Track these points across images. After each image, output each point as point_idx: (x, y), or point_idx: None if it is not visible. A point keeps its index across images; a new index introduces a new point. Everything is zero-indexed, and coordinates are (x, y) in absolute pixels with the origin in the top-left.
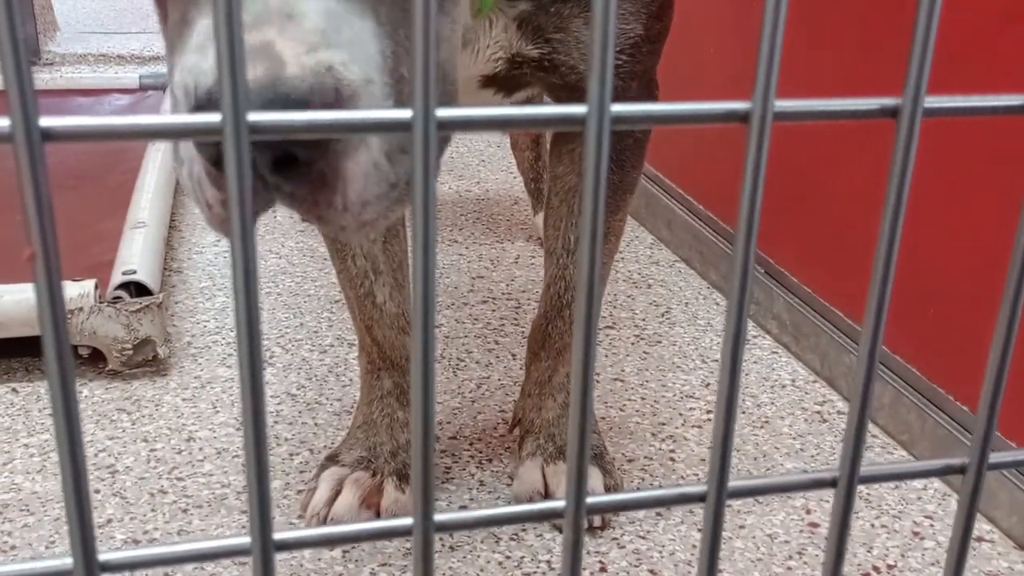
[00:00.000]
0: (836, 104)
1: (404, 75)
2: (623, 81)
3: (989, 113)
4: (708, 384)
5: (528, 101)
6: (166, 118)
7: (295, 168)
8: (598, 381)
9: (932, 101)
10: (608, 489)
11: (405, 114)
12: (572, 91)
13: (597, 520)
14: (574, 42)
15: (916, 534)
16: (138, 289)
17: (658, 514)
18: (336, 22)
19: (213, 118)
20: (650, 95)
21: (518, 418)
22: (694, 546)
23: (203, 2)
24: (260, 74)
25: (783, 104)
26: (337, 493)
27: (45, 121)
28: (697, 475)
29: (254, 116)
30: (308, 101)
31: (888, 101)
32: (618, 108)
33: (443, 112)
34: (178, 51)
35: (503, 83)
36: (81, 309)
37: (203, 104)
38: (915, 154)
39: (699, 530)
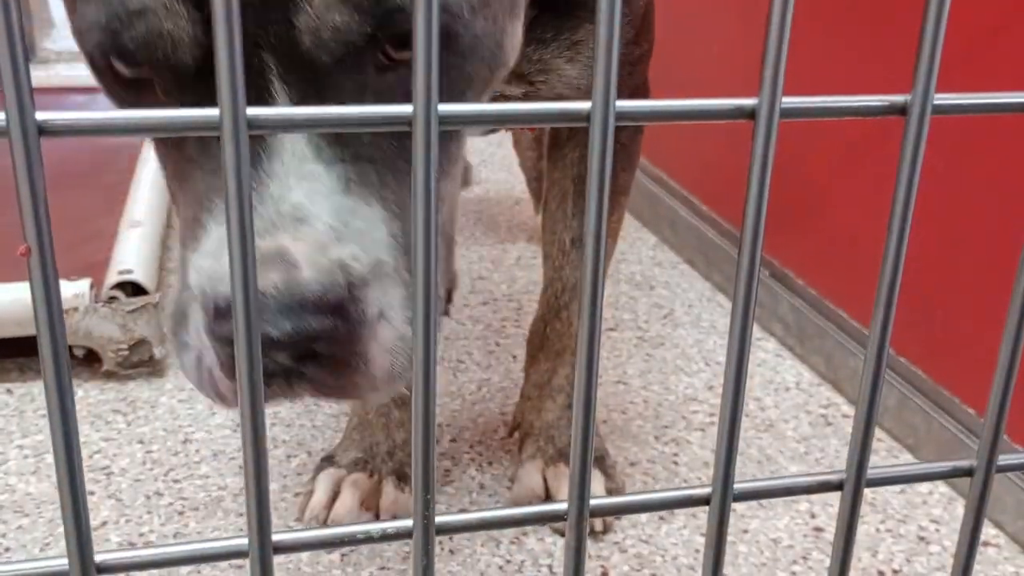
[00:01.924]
0: (845, 101)
1: None
2: None
3: (999, 111)
4: (712, 387)
5: None
6: (162, 112)
7: (317, 358)
8: (600, 384)
9: (941, 98)
10: (610, 493)
11: (406, 109)
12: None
13: (599, 524)
14: (556, 78)
15: (922, 539)
16: (134, 289)
17: (661, 518)
18: (345, 217)
19: (211, 112)
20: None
21: (518, 421)
22: (697, 550)
23: (216, 209)
24: (277, 280)
25: (791, 101)
26: (335, 495)
27: (41, 115)
28: (700, 479)
29: (252, 111)
30: (322, 301)
31: (897, 98)
32: (622, 104)
33: (444, 107)
34: (191, 247)
35: None
36: (76, 309)
37: (223, 312)
38: (924, 153)
39: (702, 534)
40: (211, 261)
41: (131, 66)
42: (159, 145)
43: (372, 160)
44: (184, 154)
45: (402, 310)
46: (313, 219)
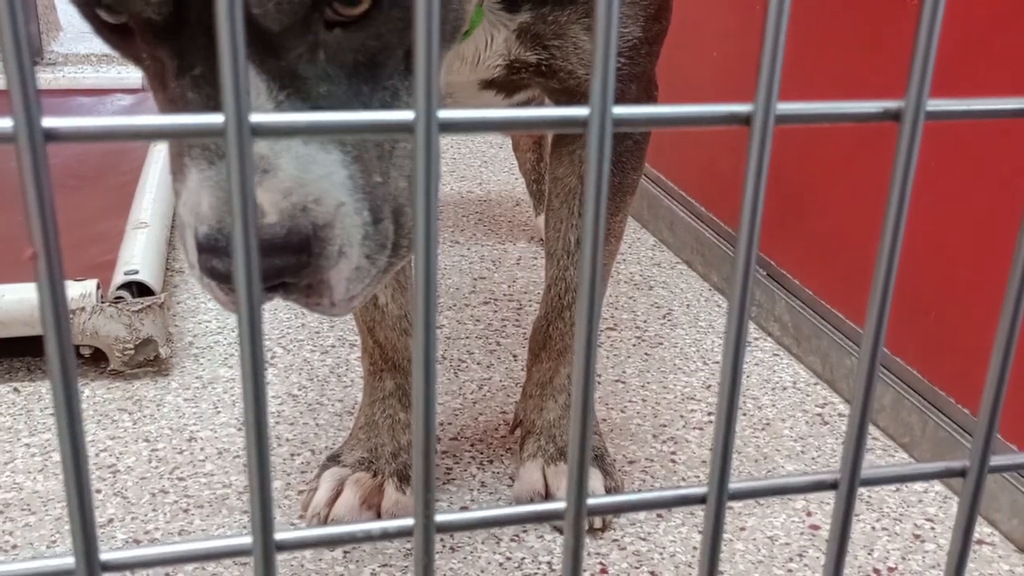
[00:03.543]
0: (838, 107)
1: (377, 180)
2: (622, 83)
3: (991, 116)
4: (709, 386)
5: (528, 102)
6: (168, 118)
7: (285, 286)
8: (599, 383)
9: (934, 104)
10: (609, 491)
11: (407, 115)
12: (571, 95)
13: (598, 522)
14: (572, 48)
15: (917, 537)
16: (140, 289)
17: (659, 516)
18: (305, 164)
19: (216, 119)
20: (649, 96)
21: (519, 419)
22: (695, 548)
23: (194, 150)
24: None
25: (785, 107)
26: (338, 493)
27: (48, 122)
28: (698, 477)
29: (256, 118)
30: (287, 243)
31: (890, 104)
32: (620, 110)
33: (445, 113)
34: (178, 179)
35: (503, 85)
36: (83, 309)
37: (202, 247)
38: (917, 157)
39: (700, 532)
40: (194, 197)
41: (112, 15)
42: (148, 79)
43: (331, 108)
44: (168, 93)
45: (359, 246)
46: (276, 169)
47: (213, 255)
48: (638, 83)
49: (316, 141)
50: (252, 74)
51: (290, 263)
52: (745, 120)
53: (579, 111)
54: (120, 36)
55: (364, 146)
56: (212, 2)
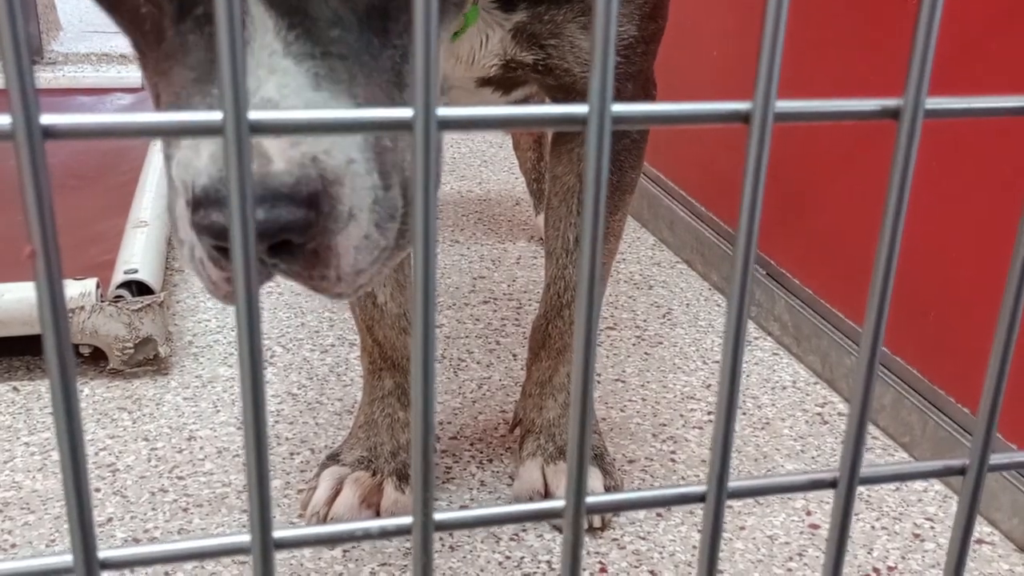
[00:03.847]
0: (837, 105)
1: (387, 144)
2: (618, 82)
3: (990, 114)
4: (709, 385)
5: (526, 99)
6: (166, 116)
7: (290, 249)
8: (599, 382)
9: (933, 102)
10: (608, 489)
11: (406, 113)
12: (567, 91)
13: (597, 520)
14: (568, 47)
15: (917, 536)
16: (139, 288)
17: (658, 515)
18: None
19: (214, 116)
20: (647, 95)
21: (519, 418)
22: (694, 547)
23: (193, 104)
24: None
25: (784, 105)
26: (337, 492)
27: (46, 119)
28: (698, 476)
29: (255, 115)
30: (295, 193)
31: (889, 102)
32: (619, 108)
33: (444, 111)
34: (172, 143)
35: (500, 83)
36: (82, 308)
37: (200, 201)
38: (916, 155)
39: (699, 531)
40: (189, 153)
41: None
42: (136, 42)
43: (342, 56)
44: (163, 50)
45: (369, 211)
46: None
47: (214, 207)
48: (634, 82)
49: (326, 88)
50: (260, 10)
51: (297, 217)
52: (744, 118)
53: (578, 109)
54: None
55: (374, 100)
56: None
